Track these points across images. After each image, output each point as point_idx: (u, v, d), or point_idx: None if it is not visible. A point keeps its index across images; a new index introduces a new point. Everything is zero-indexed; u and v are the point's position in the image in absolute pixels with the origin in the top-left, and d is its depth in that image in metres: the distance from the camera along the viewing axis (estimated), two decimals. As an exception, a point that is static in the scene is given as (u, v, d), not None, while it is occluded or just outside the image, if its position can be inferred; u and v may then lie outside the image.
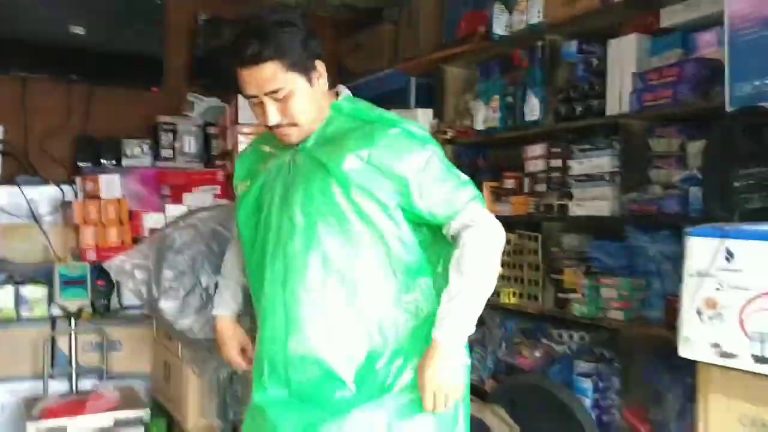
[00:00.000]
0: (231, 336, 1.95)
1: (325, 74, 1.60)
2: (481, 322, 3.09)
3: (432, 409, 1.54)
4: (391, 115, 1.63)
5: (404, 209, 1.58)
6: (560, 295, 2.68)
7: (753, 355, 1.37)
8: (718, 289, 1.43)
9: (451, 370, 1.54)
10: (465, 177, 1.63)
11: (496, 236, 1.61)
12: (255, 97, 1.54)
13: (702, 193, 1.78)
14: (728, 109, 1.62)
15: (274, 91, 1.52)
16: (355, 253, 1.58)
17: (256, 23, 1.52)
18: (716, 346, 1.43)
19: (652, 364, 2.35)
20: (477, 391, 2.85)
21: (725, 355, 1.42)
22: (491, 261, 1.60)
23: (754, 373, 1.38)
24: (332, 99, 1.66)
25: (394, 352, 1.61)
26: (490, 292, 1.59)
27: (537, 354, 2.78)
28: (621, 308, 2.40)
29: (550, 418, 2.50)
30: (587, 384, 2.49)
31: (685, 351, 1.50)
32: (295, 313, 1.60)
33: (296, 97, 1.54)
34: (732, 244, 1.41)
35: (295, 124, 1.57)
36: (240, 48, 1.50)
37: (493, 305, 3.03)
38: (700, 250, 1.46)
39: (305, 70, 1.54)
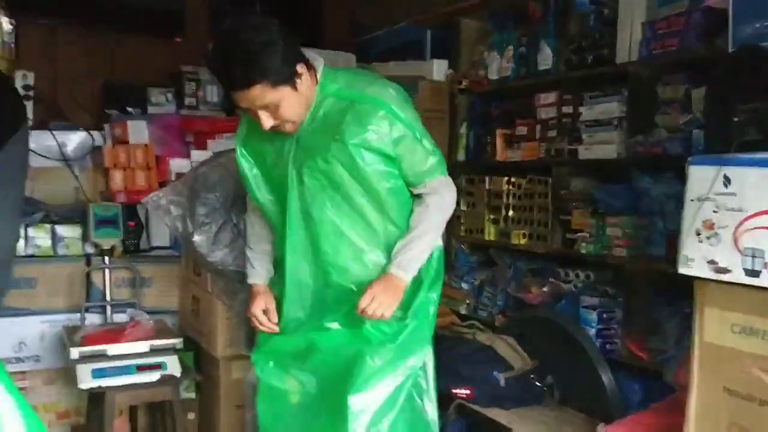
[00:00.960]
0: (260, 298, 2.13)
1: (306, 71, 1.77)
2: (492, 262, 3.28)
3: (363, 308, 1.85)
4: (373, 89, 1.82)
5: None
6: (568, 235, 2.85)
7: (745, 269, 1.53)
8: (715, 211, 1.59)
9: (393, 292, 1.87)
10: (432, 146, 1.92)
11: (450, 203, 1.99)
12: (246, 108, 1.74)
13: (704, 127, 1.93)
14: (731, 50, 1.76)
15: (265, 105, 1.71)
16: (358, 218, 1.89)
17: (239, 47, 1.64)
18: (712, 262, 1.60)
19: (653, 296, 2.53)
20: (488, 326, 3.03)
21: (720, 270, 1.59)
22: (442, 222, 1.99)
23: (745, 285, 1.54)
24: (314, 79, 1.81)
25: None
26: (435, 244, 1.99)
27: (545, 291, 2.95)
28: (625, 246, 2.56)
29: (557, 348, 2.67)
30: (592, 316, 2.66)
31: (684, 269, 1.66)
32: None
33: (285, 103, 1.73)
34: (729, 170, 1.56)
35: (287, 122, 1.78)
36: (227, 74, 1.67)
37: (503, 246, 3.20)
38: (701, 177, 1.62)
39: (289, 80, 1.71)
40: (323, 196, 1.86)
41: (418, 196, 1.97)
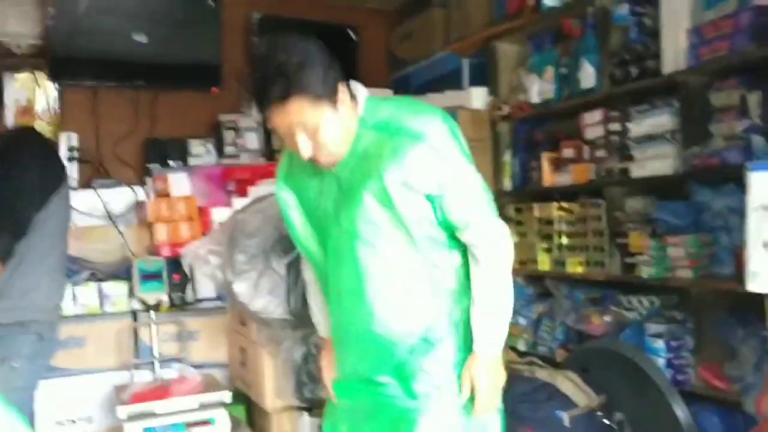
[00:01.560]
0: (326, 352, 1.99)
1: (347, 96, 1.65)
2: (548, 293, 3.13)
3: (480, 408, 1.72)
4: (417, 121, 1.65)
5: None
6: (626, 259, 2.68)
7: (826, 282, 1.37)
8: (785, 219, 1.43)
9: (493, 380, 1.73)
10: (480, 186, 1.72)
11: (504, 252, 1.74)
12: (285, 133, 1.61)
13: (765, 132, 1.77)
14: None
15: (303, 124, 1.58)
16: (396, 263, 1.70)
17: (276, 64, 1.55)
18: (787, 277, 1.43)
19: (725, 319, 2.33)
20: (548, 362, 2.86)
21: (797, 285, 1.42)
22: (502, 277, 1.73)
23: (829, 301, 1.37)
24: (356, 110, 1.69)
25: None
26: (512, 296, 1.76)
27: (607, 320, 2.77)
28: (689, 266, 2.38)
29: (624, 381, 2.49)
30: (659, 344, 2.48)
31: (753, 285, 1.50)
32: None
33: (324, 126, 1.59)
34: (796, 174, 1.41)
35: (326, 151, 1.64)
36: (265, 90, 1.56)
37: (559, 276, 3.04)
38: (763, 183, 1.46)
39: (329, 99, 1.59)
40: (360, 239, 1.70)
41: (467, 246, 1.75)
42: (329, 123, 1.60)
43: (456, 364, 1.74)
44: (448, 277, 1.75)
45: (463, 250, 1.76)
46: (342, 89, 1.62)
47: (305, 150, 1.61)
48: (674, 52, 2.44)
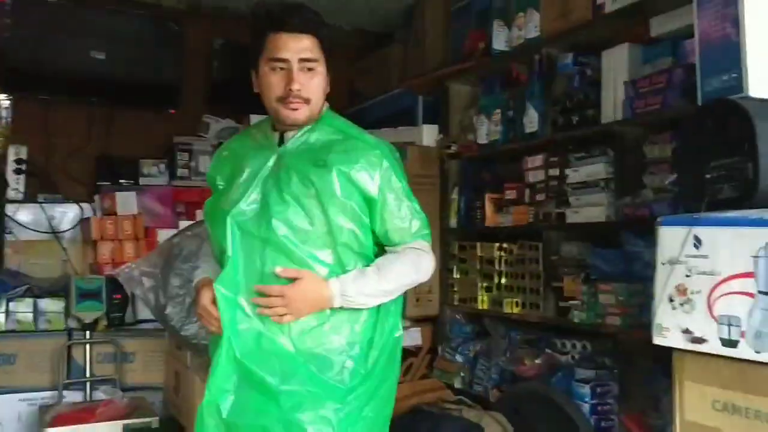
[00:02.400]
0: (208, 288, 1.69)
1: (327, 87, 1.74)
2: (485, 333, 3.13)
3: (265, 302, 1.59)
4: (371, 137, 1.75)
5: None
6: (561, 303, 2.71)
7: (721, 339, 1.40)
8: (687, 275, 1.46)
9: (311, 302, 1.62)
10: (420, 210, 1.78)
11: (426, 269, 1.78)
12: (285, 61, 1.65)
13: (677, 187, 1.82)
14: (699, 103, 1.67)
15: (307, 60, 1.65)
16: (309, 258, 1.64)
17: (304, 7, 1.68)
18: (687, 332, 1.46)
19: (650, 368, 2.36)
20: (482, 402, 2.87)
21: (696, 340, 1.45)
22: (408, 277, 1.74)
23: (724, 357, 1.40)
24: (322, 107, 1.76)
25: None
26: (392, 297, 1.73)
27: (538, 363, 2.79)
28: (619, 314, 2.41)
29: (550, 424, 2.50)
30: (586, 390, 2.49)
31: (658, 338, 1.53)
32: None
33: (318, 77, 1.68)
34: (699, 231, 1.45)
35: (307, 101, 1.67)
36: (289, 15, 1.66)
37: (496, 315, 3.06)
38: (671, 238, 1.50)
39: (327, 62, 1.70)
40: (284, 218, 1.63)
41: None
42: (321, 78, 1.69)
43: (338, 406, 1.62)
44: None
45: None
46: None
47: (297, 80, 1.65)
48: (612, 103, 2.50)
